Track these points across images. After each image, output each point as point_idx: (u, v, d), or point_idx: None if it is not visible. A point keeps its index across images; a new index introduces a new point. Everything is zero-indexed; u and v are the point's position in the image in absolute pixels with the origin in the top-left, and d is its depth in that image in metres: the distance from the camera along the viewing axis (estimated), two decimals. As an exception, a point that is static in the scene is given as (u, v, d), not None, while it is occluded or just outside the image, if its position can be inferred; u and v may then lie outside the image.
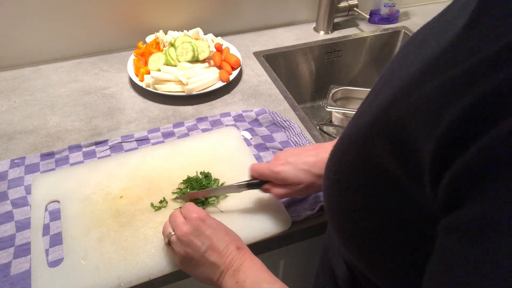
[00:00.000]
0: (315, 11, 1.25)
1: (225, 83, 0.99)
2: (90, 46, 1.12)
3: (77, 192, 0.73)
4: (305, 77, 1.26)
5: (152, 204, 0.70)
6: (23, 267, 0.63)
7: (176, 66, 1.00)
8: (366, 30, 1.28)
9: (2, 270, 0.62)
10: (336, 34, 1.25)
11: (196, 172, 0.76)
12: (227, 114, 0.92)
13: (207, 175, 0.75)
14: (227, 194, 0.72)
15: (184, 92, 0.95)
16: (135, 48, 1.09)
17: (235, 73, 1.01)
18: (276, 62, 1.17)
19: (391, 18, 1.29)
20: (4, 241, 0.66)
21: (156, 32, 1.08)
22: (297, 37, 1.23)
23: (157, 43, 1.07)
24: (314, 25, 1.28)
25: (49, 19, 1.03)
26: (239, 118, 0.92)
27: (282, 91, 1.01)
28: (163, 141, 0.85)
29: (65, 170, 0.77)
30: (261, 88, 1.02)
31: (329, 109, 1.05)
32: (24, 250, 0.65)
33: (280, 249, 0.72)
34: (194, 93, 0.95)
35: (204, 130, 0.88)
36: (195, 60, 1.01)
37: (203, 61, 1.02)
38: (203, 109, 0.95)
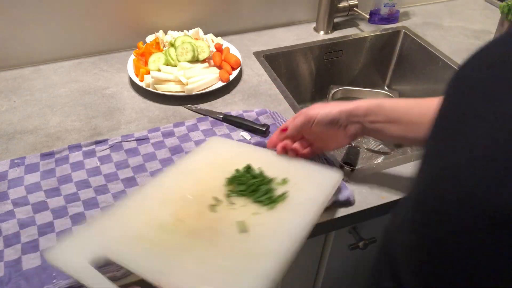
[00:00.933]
0: (315, 11, 1.25)
1: (225, 83, 0.99)
2: (90, 46, 1.12)
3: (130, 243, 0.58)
4: (305, 77, 1.26)
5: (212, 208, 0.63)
6: (34, 262, 0.63)
7: (176, 66, 1.00)
8: (366, 30, 1.28)
9: (13, 266, 0.62)
10: (336, 34, 1.25)
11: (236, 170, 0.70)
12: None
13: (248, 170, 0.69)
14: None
15: (184, 92, 0.95)
16: (135, 48, 1.09)
17: (235, 73, 1.01)
18: (276, 62, 1.17)
19: (391, 18, 1.29)
20: (9, 238, 0.67)
21: (156, 32, 1.09)
22: (297, 37, 1.23)
23: (157, 43, 1.07)
24: (314, 25, 1.28)
25: (49, 19, 1.03)
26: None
27: (282, 91, 1.01)
28: (163, 141, 0.85)
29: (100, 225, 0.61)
30: (261, 88, 1.02)
31: (329, 109, 1.05)
32: (32, 247, 0.65)
33: (280, 249, 0.72)
34: (194, 93, 0.95)
35: (204, 131, 0.88)
36: (195, 60, 1.01)
37: (203, 61, 1.02)
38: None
